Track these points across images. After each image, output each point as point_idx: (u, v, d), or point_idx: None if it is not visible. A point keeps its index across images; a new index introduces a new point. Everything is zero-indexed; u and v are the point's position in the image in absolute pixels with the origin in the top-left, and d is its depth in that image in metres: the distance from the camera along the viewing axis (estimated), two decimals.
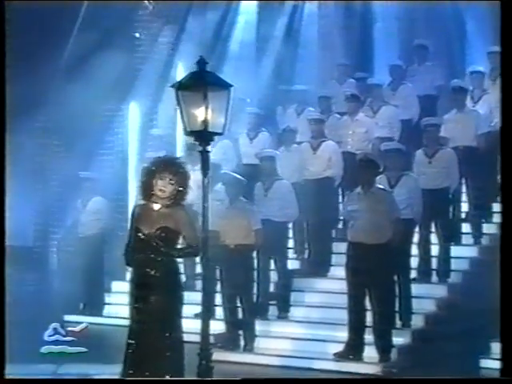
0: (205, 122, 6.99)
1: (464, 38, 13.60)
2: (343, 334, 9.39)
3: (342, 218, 11.27)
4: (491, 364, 8.82)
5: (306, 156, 11.48)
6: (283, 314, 10.56)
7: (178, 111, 7.24)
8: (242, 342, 9.90)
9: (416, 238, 10.42)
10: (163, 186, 6.82)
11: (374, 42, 13.97)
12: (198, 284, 9.97)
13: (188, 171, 6.99)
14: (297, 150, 11.59)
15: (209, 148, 7.13)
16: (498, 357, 8.23)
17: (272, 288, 10.72)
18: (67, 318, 11.23)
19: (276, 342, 10.01)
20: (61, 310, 11.49)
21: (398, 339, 9.37)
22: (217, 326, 9.44)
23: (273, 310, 10.60)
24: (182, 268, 7.36)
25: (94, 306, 12.12)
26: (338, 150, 11.53)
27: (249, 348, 9.85)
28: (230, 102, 7.13)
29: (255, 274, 10.07)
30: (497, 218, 10.95)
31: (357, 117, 11.96)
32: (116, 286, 12.43)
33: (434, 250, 10.62)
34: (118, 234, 12.78)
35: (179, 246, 6.91)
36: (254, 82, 13.58)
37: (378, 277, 9.10)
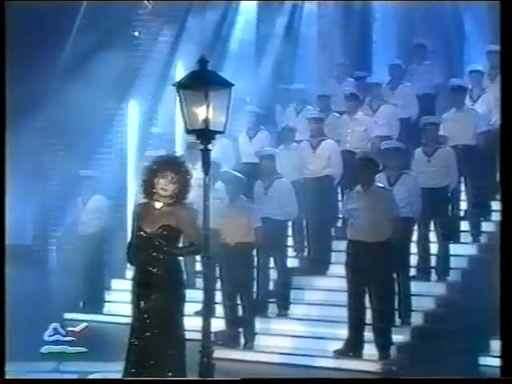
0: (206, 120, 7.03)
1: (463, 38, 13.65)
2: (343, 332, 9.42)
3: (341, 216, 11.32)
4: (490, 362, 8.86)
5: (305, 154, 11.52)
6: (283, 311, 10.59)
7: (179, 110, 7.28)
8: (242, 340, 9.93)
9: (415, 236, 10.46)
10: (165, 184, 6.83)
11: (373, 42, 14.01)
12: (198, 282, 10.02)
13: (189, 170, 7.02)
14: (296, 148, 11.63)
15: (210, 146, 7.17)
16: (497, 354, 8.28)
17: (272, 286, 10.76)
18: (67, 316, 11.31)
19: (276, 339, 10.04)
20: (61, 309, 11.54)
21: (398, 337, 9.40)
22: (217, 324, 9.46)
23: (273, 308, 10.64)
24: (183, 266, 7.36)
25: (94, 304, 12.15)
26: (338, 149, 11.57)
27: (249, 346, 9.88)
28: (231, 100, 7.17)
29: (255, 271, 10.10)
30: (495, 217, 10.99)
31: (356, 116, 12.01)
32: (116, 284, 12.47)
33: (433, 248, 10.66)
34: (118, 232, 12.88)
35: (181, 244, 6.93)
36: (254, 81, 13.61)
37: (377, 275, 9.12)
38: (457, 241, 11.07)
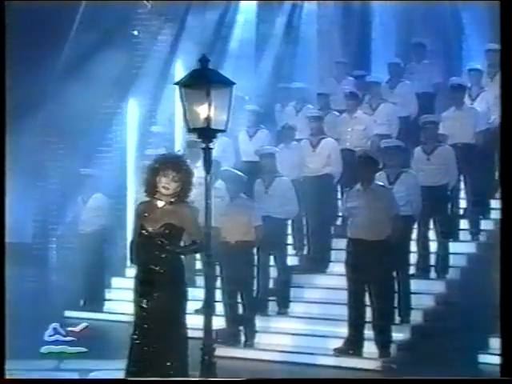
0: (207, 119, 7.05)
1: (461, 36, 13.67)
2: (343, 330, 9.44)
3: (341, 214, 11.35)
4: (489, 359, 8.88)
5: (305, 153, 11.55)
6: (283, 309, 10.61)
7: (181, 108, 7.30)
8: (243, 338, 9.95)
9: (415, 234, 10.49)
10: (167, 182, 6.83)
11: (372, 40, 14.04)
12: (198, 280, 10.04)
13: (191, 168, 7.04)
14: (296, 147, 11.64)
15: (211, 145, 7.20)
16: (497, 352, 8.32)
17: (272, 284, 10.77)
18: (68, 314, 11.35)
19: (276, 337, 10.05)
20: (61, 307, 11.58)
21: (397, 335, 9.43)
22: (217, 322, 9.48)
23: (273, 306, 10.66)
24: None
25: (95, 302, 12.18)
26: (338, 147, 11.60)
27: (249, 343, 9.89)
28: (232, 99, 7.20)
29: (255, 270, 10.11)
30: (495, 215, 11.02)
31: (355, 114, 12.03)
32: (116, 282, 12.53)
33: (433, 246, 10.69)
34: (118, 230, 12.92)
35: (184, 243, 6.94)
36: (253, 80, 13.64)
37: (377, 273, 9.14)
38: (456, 239, 11.10)
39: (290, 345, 9.84)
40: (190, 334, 7.01)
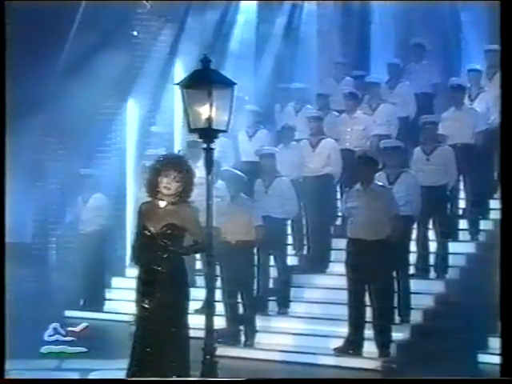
0: (209, 119, 7.08)
1: (460, 37, 13.71)
2: (343, 330, 9.47)
3: (340, 214, 11.37)
4: (489, 359, 8.92)
5: (305, 153, 11.58)
6: (283, 309, 10.63)
7: (182, 109, 7.33)
8: (243, 338, 9.96)
9: (414, 234, 10.51)
10: (168, 183, 6.85)
11: (371, 41, 14.07)
12: (198, 280, 10.06)
13: (193, 168, 7.06)
14: (296, 147, 11.67)
15: (213, 145, 7.22)
16: (496, 352, 8.35)
17: (272, 284, 10.79)
18: (68, 313, 11.37)
19: (276, 337, 10.08)
20: (61, 306, 11.60)
21: (397, 334, 9.45)
22: (217, 322, 9.49)
23: (273, 306, 10.68)
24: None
25: (95, 302, 12.20)
26: (337, 148, 11.63)
27: (249, 343, 9.92)
28: (233, 99, 7.24)
29: (255, 270, 10.13)
30: (494, 215, 11.05)
31: (355, 114, 12.07)
32: (116, 282, 12.57)
33: (432, 246, 10.73)
34: (118, 230, 12.94)
35: (187, 243, 6.96)
36: (253, 80, 13.68)
37: (377, 273, 9.17)
38: (455, 239, 11.14)
39: (290, 344, 9.87)
40: (191, 333, 7.03)
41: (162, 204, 6.91)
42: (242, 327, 10.01)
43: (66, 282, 12.37)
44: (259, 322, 10.11)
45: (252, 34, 14.26)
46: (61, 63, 13.05)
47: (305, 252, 11.63)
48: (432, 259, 10.71)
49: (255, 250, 10.10)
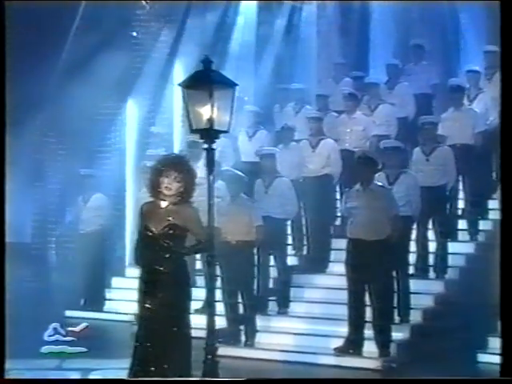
0: (210, 120, 7.11)
1: (460, 38, 13.74)
2: (343, 329, 9.49)
3: (340, 214, 11.40)
4: (488, 359, 8.94)
5: (304, 153, 11.60)
6: (283, 309, 10.66)
7: (184, 109, 7.36)
8: (243, 337, 9.98)
9: (414, 234, 10.54)
10: (169, 183, 6.87)
11: (370, 42, 14.10)
12: (198, 280, 10.08)
13: (194, 169, 7.08)
14: (296, 147, 11.69)
15: (214, 146, 7.25)
16: (495, 351, 8.38)
17: (272, 284, 10.81)
18: (68, 313, 11.39)
19: (276, 337, 10.10)
20: (62, 306, 11.61)
21: (397, 334, 9.47)
22: (218, 322, 9.51)
23: (273, 306, 10.70)
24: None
25: (95, 301, 12.21)
26: (337, 148, 11.65)
27: (250, 343, 9.93)
28: (234, 100, 7.28)
29: (256, 270, 10.14)
30: (493, 215, 11.09)
31: (354, 115, 12.09)
32: (116, 281, 12.58)
33: (432, 246, 10.75)
34: (118, 230, 12.96)
35: (188, 243, 6.98)
36: (253, 81, 13.70)
37: (376, 273, 9.19)
38: (455, 239, 11.16)
39: (290, 344, 9.88)
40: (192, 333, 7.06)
41: (164, 204, 6.93)
42: (242, 327, 10.02)
43: (66, 282, 12.37)
44: (259, 321, 10.13)
45: (252, 34, 14.27)
46: (61, 63, 13.06)
47: (305, 252, 11.65)
48: (431, 259, 10.74)
49: (255, 250, 10.11)
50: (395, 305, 9.65)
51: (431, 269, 10.71)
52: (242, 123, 12.38)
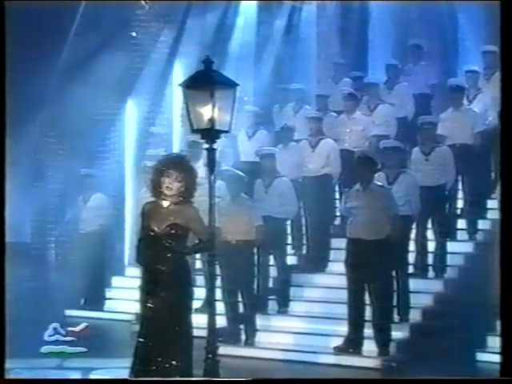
0: (211, 120, 7.14)
1: (458, 38, 13.76)
2: (343, 328, 9.51)
3: (339, 214, 11.43)
4: (487, 358, 8.97)
5: (304, 153, 11.61)
6: (283, 308, 10.68)
7: (185, 109, 7.38)
8: (243, 337, 10.00)
9: (413, 234, 10.57)
10: (170, 183, 6.89)
11: (369, 42, 14.13)
12: (198, 279, 10.10)
13: (195, 168, 7.10)
14: (295, 147, 11.70)
15: (215, 146, 7.28)
16: (495, 350, 8.41)
17: (271, 283, 10.83)
18: (68, 312, 11.41)
19: (276, 336, 10.12)
20: (62, 306, 11.62)
21: (397, 333, 9.49)
22: (218, 321, 9.53)
23: (273, 305, 10.72)
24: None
25: (95, 301, 12.23)
26: (337, 148, 11.67)
27: (250, 342, 9.96)
28: (235, 100, 7.30)
29: (256, 269, 10.17)
30: (492, 215, 11.10)
31: (354, 115, 12.09)
32: (116, 281, 12.61)
33: (431, 245, 10.78)
34: (118, 230, 12.98)
35: (190, 243, 7.00)
36: (253, 81, 13.72)
37: (376, 272, 9.21)
38: (454, 238, 11.19)
39: (290, 343, 9.91)
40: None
41: (165, 204, 6.95)
42: (242, 326, 10.05)
43: (66, 282, 12.38)
44: (259, 320, 10.15)
45: (251, 35, 14.28)
46: (61, 63, 13.08)
47: (304, 251, 11.67)
48: (431, 258, 10.77)
49: (255, 250, 10.14)
50: (395, 304, 9.68)
51: (430, 268, 10.74)
52: (241, 123, 12.35)
